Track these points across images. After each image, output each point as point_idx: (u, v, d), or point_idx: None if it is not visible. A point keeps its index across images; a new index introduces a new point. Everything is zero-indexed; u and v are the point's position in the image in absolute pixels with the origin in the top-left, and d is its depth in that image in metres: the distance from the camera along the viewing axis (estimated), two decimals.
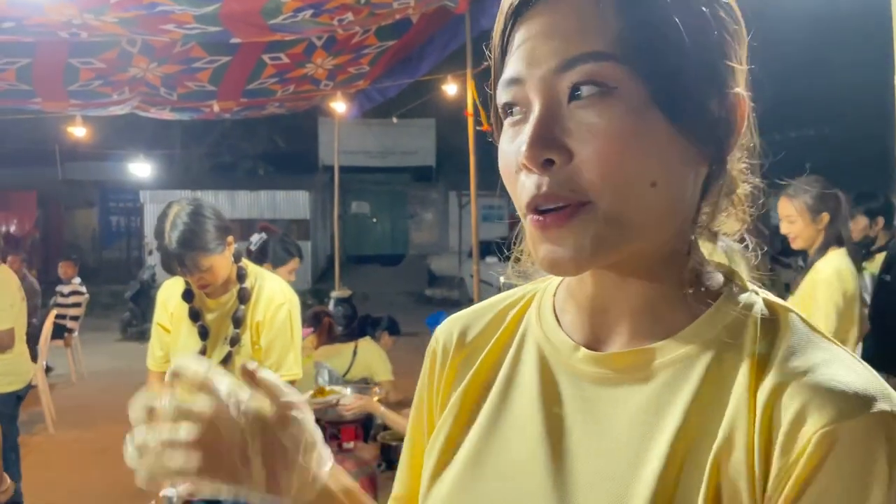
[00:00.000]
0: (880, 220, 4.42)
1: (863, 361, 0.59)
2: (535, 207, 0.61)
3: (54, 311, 7.05)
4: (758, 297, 0.65)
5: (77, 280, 8.13)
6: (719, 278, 0.67)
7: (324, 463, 0.71)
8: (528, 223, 0.63)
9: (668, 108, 0.59)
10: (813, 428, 0.55)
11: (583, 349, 0.68)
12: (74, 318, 7.84)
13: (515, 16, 0.63)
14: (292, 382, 2.46)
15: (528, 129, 0.61)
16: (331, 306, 6.73)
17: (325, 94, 5.89)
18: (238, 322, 2.42)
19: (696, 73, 0.60)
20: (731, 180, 0.66)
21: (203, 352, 2.43)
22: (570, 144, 0.59)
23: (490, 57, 0.67)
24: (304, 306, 2.80)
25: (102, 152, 16.15)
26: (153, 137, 16.14)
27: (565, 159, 0.59)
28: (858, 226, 4.44)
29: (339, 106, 6.15)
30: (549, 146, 0.59)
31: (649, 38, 0.59)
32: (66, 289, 8.04)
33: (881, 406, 0.55)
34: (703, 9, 0.61)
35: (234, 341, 2.42)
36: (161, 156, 17.13)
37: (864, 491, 0.53)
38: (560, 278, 0.74)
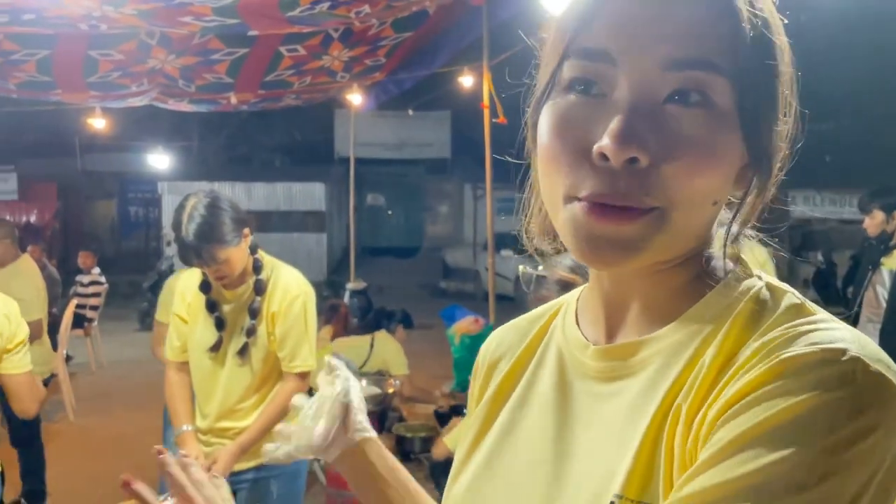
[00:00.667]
0: None
1: (866, 337, 0.54)
2: (593, 199, 0.57)
3: (74, 301, 7.11)
4: (760, 281, 0.62)
5: (96, 270, 8.20)
6: (727, 266, 0.64)
7: (362, 430, 0.91)
8: (575, 208, 0.59)
9: (749, 130, 0.58)
10: (768, 364, 0.52)
11: (591, 346, 0.67)
12: (94, 308, 7.91)
13: None
14: (307, 374, 2.48)
15: (616, 119, 0.56)
16: (346, 298, 6.76)
17: (341, 86, 5.90)
18: (254, 313, 2.44)
19: (776, 101, 0.60)
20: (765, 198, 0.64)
21: (219, 342, 2.46)
22: (658, 147, 0.56)
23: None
24: (320, 298, 2.81)
25: (121, 144, 16.32)
26: (171, 129, 16.25)
27: (649, 161, 0.56)
28: (875, 221, 4.39)
29: (356, 98, 6.15)
30: (639, 144, 0.55)
31: (755, 59, 0.57)
32: (85, 279, 8.10)
33: (844, 346, 0.51)
34: (784, 39, 0.60)
35: (251, 332, 2.44)
36: (179, 147, 17.25)
37: (797, 410, 0.49)
38: (585, 285, 0.73)
